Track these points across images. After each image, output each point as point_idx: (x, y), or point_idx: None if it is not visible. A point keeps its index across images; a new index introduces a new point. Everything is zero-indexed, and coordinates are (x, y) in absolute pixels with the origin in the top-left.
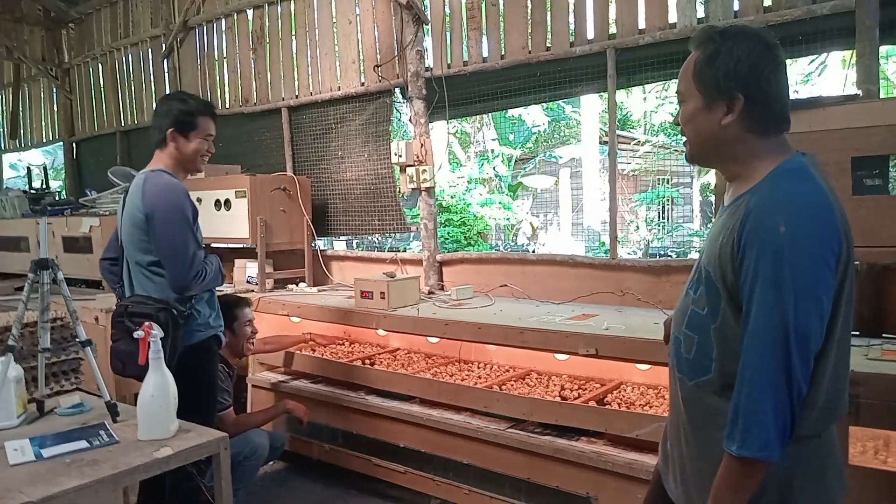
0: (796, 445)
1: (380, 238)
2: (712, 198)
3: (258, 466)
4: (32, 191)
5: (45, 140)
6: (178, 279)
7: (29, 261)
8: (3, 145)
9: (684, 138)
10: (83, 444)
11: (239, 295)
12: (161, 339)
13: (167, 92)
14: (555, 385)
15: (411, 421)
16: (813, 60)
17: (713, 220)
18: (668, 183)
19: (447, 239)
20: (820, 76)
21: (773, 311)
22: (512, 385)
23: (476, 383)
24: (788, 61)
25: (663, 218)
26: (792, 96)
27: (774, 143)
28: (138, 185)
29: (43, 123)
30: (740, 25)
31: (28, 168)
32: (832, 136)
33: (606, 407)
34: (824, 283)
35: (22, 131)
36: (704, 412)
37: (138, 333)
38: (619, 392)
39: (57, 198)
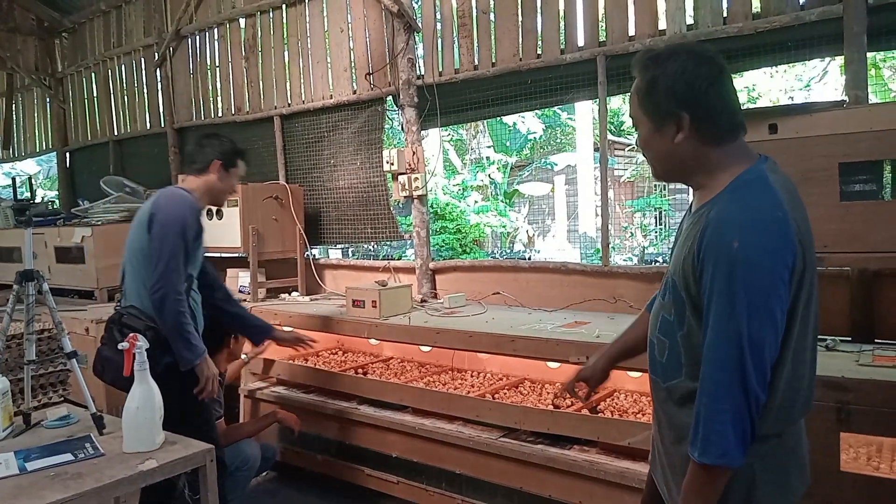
0: (758, 444)
1: (375, 246)
2: None
3: (250, 477)
4: (17, 202)
5: (38, 150)
6: (157, 280)
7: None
8: None
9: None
10: (68, 456)
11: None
12: (147, 350)
13: (160, 100)
14: (548, 393)
15: (404, 430)
16: (817, 66)
17: (681, 224)
18: (664, 189)
19: (442, 247)
20: (820, 81)
21: (727, 324)
22: (505, 393)
23: (469, 392)
24: (781, 68)
25: (660, 224)
26: (786, 101)
27: (732, 150)
28: (155, 195)
29: (36, 133)
30: (675, 45)
31: (13, 179)
32: (819, 143)
33: (598, 415)
34: (777, 297)
35: (15, 141)
36: (675, 416)
37: (123, 345)
38: (613, 400)
39: (44, 208)
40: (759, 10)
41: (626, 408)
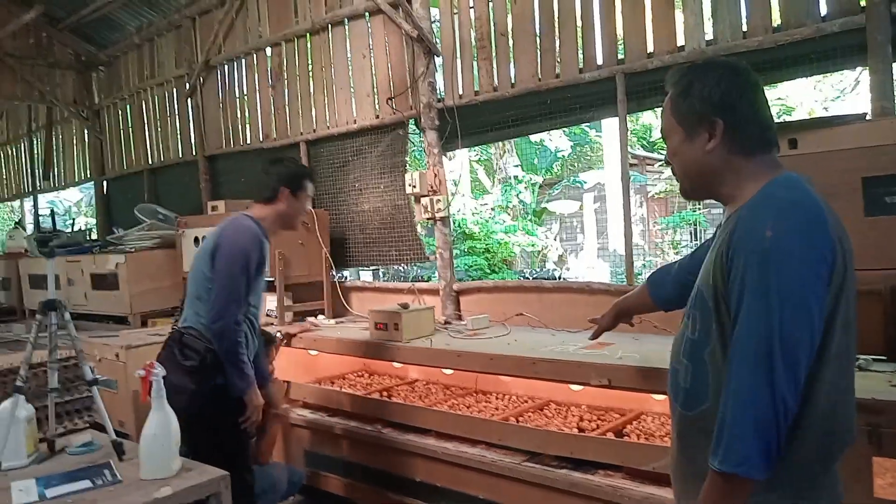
0: (799, 475)
1: (405, 268)
2: None
3: (275, 501)
4: (40, 233)
5: (77, 179)
6: (217, 311)
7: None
8: (38, 185)
9: (675, 174)
10: (87, 483)
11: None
12: (164, 377)
13: (191, 129)
14: (573, 416)
15: (427, 454)
16: (848, 76)
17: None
18: (699, 203)
19: (471, 267)
20: (852, 91)
21: (758, 319)
22: (529, 416)
23: (493, 415)
24: (815, 79)
25: (696, 239)
26: (821, 113)
27: (763, 163)
28: (222, 223)
29: (75, 163)
30: (709, 58)
31: (35, 213)
32: (841, 157)
33: (623, 439)
34: (814, 293)
35: (54, 171)
36: (697, 450)
37: (139, 372)
38: (639, 422)
39: (69, 238)
40: (779, 23)
41: (653, 431)
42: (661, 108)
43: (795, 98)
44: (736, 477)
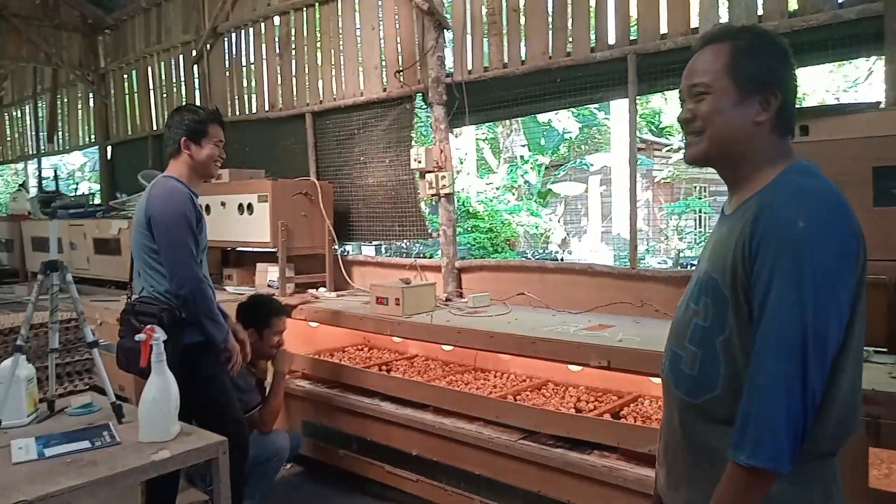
0: (812, 464)
1: (408, 244)
2: None
3: (279, 468)
4: (43, 193)
5: (81, 143)
6: (179, 278)
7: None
8: (42, 148)
9: (689, 136)
10: (85, 444)
11: (281, 302)
12: (164, 341)
13: (196, 96)
14: (571, 396)
15: (424, 429)
16: (861, 66)
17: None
18: (705, 192)
19: (473, 245)
20: (865, 81)
21: (790, 310)
22: (527, 395)
23: (491, 392)
24: (827, 67)
25: (700, 226)
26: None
27: (785, 147)
28: (148, 189)
29: (80, 127)
30: (760, 26)
31: (39, 176)
32: (853, 145)
33: (619, 421)
34: (844, 285)
35: (59, 135)
36: (704, 437)
37: (140, 336)
38: (636, 405)
39: (71, 200)
40: (795, 8)
41: (650, 414)
42: (673, 90)
43: (807, 85)
44: (765, 471)
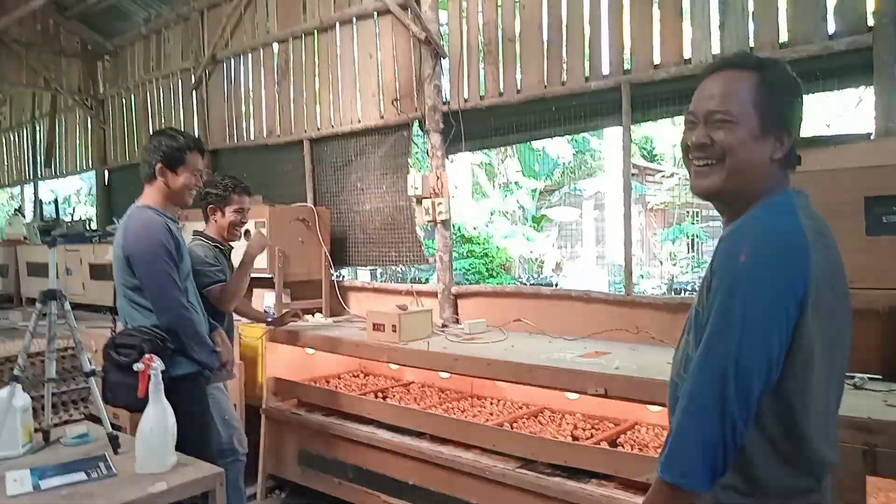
0: (797, 499)
1: (403, 268)
2: None
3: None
4: (43, 222)
5: (78, 168)
6: (165, 310)
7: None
8: (39, 172)
9: (702, 163)
10: (81, 475)
11: (239, 181)
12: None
13: (195, 122)
14: (568, 424)
15: (421, 458)
16: (852, 93)
17: None
18: (697, 217)
19: (468, 270)
20: (856, 108)
21: (718, 342)
22: (524, 423)
23: (488, 419)
24: (815, 96)
25: (693, 251)
26: (823, 130)
27: (785, 180)
28: (123, 222)
29: (77, 152)
30: (777, 59)
31: (35, 200)
32: (844, 175)
33: (616, 449)
34: (776, 323)
35: (57, 160)
36: None
37: (138, 366)
38: (633, 433)
39: (72, 228)
40: (786, 39)
41: (647, 442)
42: (666, 119)
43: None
44: (677, 487)
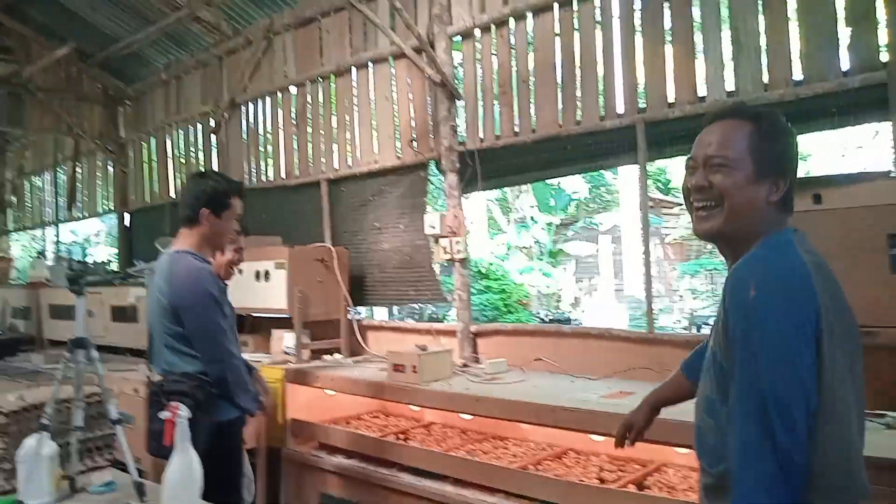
0: None
1: (419, 306)
2: None
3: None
4: (72, 271)
5: (99, 210)
6: (218, 364)
7: None
8: (61, 216)
9: (701, 205)
10: None
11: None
12: (190, 419)
13: (214, 164)
14: (594, 466)
15: (444, 502)
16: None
17: None
18: (715, 251)
19: (486, 307)
20: (874, 139)
21: (748, 378)
22: (548, 465)
23: (511, 462)
24: (827, 133)
25: (712, 284)
26: (839, 162)
27: (783, 221)
28: (164, 268)
29: (98, 194)
30: (771, 109)
31: (57, 243)
32: (866, 213)
33: (644, 492)
34: (798, 351)
35: (79, 203)
36: None
37: (164, 414)
38: (661, 474)
39: (96, 273)
40: (801, 77)
41: (675, 484)
42: (681, 157)
43: (812, 145)
44: None
